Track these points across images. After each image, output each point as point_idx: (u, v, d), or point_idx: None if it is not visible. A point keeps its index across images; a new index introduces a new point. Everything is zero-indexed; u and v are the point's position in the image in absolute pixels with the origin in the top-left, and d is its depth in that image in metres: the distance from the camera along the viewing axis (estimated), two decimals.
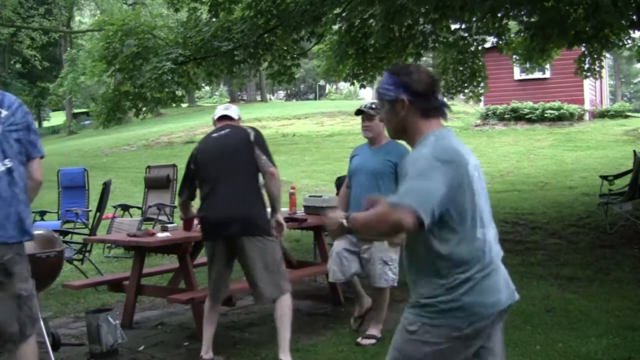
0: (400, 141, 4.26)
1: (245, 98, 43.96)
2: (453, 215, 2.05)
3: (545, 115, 18.85)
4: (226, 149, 4.02)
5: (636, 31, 8.86)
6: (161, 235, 4.73)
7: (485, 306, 2.08)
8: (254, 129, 4.13)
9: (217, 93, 56.18)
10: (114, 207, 8.74)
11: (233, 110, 4.28)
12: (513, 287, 2.21)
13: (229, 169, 3.97)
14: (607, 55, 13.96)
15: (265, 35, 9.34)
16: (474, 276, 2.08)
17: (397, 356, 2.15)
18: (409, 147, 3.65)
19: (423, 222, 1.93)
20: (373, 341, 4.34)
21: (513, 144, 16.84)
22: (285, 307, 3.98)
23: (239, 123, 4.24)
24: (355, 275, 4.55)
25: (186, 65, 9.54)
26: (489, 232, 2.18)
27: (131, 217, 8.72)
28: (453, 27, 9.02)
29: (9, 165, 2.87)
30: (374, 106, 4.32)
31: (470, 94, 10.74)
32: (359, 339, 4.38)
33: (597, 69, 10.06)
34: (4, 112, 2.91)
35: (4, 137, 2.88)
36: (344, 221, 2.11)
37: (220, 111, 4.29)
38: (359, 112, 4.45)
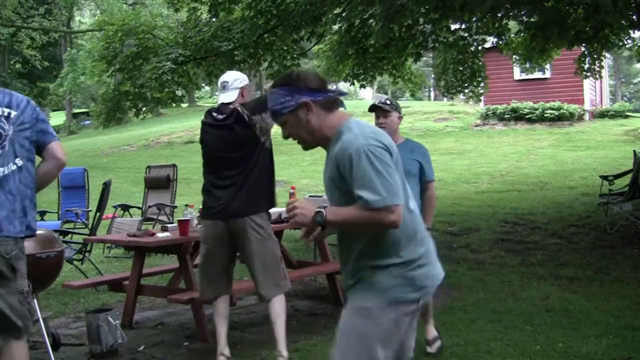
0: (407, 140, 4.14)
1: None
2: None
3: (545, 115, 18.85)
4: (224, 142, 3.97)
5: (636, 31, 8.86)
6: (161, 235, 4.73)
7: (432, 278, 2.16)
8: (244, 105, 3.99)
9: (217, 93, 56.22)
10: (114, 207, 8.74)
11: (229, 93, 4.01)
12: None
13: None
14: (607, 55, 13.96)
15: (265, 35, 9.34)
16: (420, 249, 2.13)
17: (349, 337, 2.13)
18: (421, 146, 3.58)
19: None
20: (439, 343, 4.08)
21: (513, 144, 16.84)
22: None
23: (241, 100, 4.02)
24: None
25: (186, 65, 9.54)
26: (414, 204, 2.21)
27: (131, 217, 8.72)
28: (453, 27, 9.01)
29: (19, 164, 2.94)
30: (388, 102, 4.11)
31: (470, 94, 10.75)
32: (428, 349, 4.06)
33: (597, 69, 10.06)
34: (14, 113, 2.95)
35: (16, 137, 2.94)
36: (322, 211, 2.06)
37: (219, 96, 4.08)
38: (373, 108, 4.06)
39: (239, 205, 3.89)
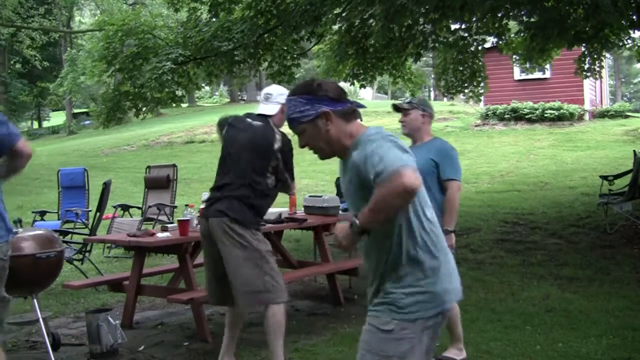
0: (440, 138, 4.11)
1: (245, 98, 43.97)
2: (414, 201, 2.05)
3: (545, 115, 18.84)
4: (244, 144, 3.88)
5: (636, 31, 8.86)
6: (161, 235, 4.73)
7: (451, 292, 2.14)
8: (283, 135, 3.89)
9: (217, 93, 56.17)
10: (114, 207, 8.74)
11: (271, 106, 3.94)
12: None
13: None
14: (607, 55, 13.95)
15: (265, 35, 9.34)
16: (439, 261, 2.10)
17: (371, 357, 2.09)
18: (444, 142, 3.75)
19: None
20: None
21: (513, 144, 16.84)
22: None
23: (280, 116, 3.95)
24: None
25: (186, 65, 9.55)
26: (432, 212, 2.15)
27: (131, 217, 8.72)
28: (453, 27, 9.01)
29: None
30: (409, 101, 4.07)
31: (470, 94, 10.74)
32: None
33: (597, 69, 10.06)
34: None
35: None
36: (354, 222, 2.02)
37: (259, 106, 4.00)
38: (395, 108, 4.06)
39: (222, 207, 3.77)
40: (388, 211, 1.98)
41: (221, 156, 4.00)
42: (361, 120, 2.21)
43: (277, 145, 3.85)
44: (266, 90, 4.04)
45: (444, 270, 2.11)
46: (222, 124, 4.12)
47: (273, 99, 3.96)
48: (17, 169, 3.07)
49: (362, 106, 2.21)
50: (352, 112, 2.16)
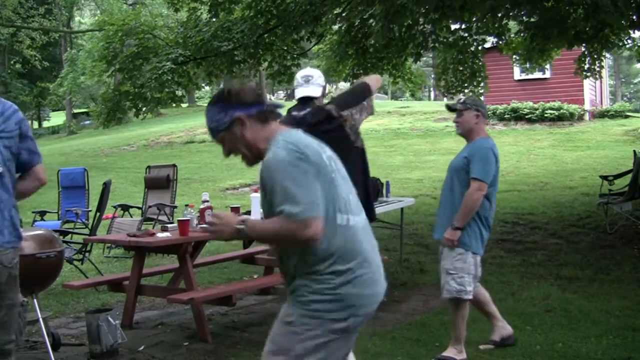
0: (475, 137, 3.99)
1: None
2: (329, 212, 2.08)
3: (545, 115, 18.86)
4: None
5: (636, 31, 8.86)
6: (161, 235, 4.72)
7: (364, 298, 2.11)
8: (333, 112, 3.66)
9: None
10: (114, 207, 8.73)
11: (313, 87, 3.76)
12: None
13: None
14: (607, 55, 13.97)
15: (265, 35, 9.35)
16: (348, 266, 2.09)
17: (273, 349, 2.12)
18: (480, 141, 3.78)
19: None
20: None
21: (513, 144, 16.85)
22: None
23: (322, 100, 3.76)
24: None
25: (186, 65, 9.55)
26: (354, 219, 2.15)
27: (131, 217, 8.72)
28: (453, 27, 9.02)
29: (0, 171, 2.82)
30: (463, 101, 3.99)
31: (470, 94, 10.75)
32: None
33: (597, 69, 10.07)
34: None
35: None
36: (241, 227, 2.08)
37: (298, 89, 3.80)
38: (448, 108, 4.08)
39: None
40: (280, 245, 2.12)
41: None
42: (281, 119, 2.24)
43: (334, 111, 3.64)
44: (304, 72, 3.87)
45: (359, 277, 2.10)
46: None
47: (314, 80, 3.79)
48: (24, 194, 3.00)
49: (279, 106, 2.24)
50: (268, 113, 2.19)
